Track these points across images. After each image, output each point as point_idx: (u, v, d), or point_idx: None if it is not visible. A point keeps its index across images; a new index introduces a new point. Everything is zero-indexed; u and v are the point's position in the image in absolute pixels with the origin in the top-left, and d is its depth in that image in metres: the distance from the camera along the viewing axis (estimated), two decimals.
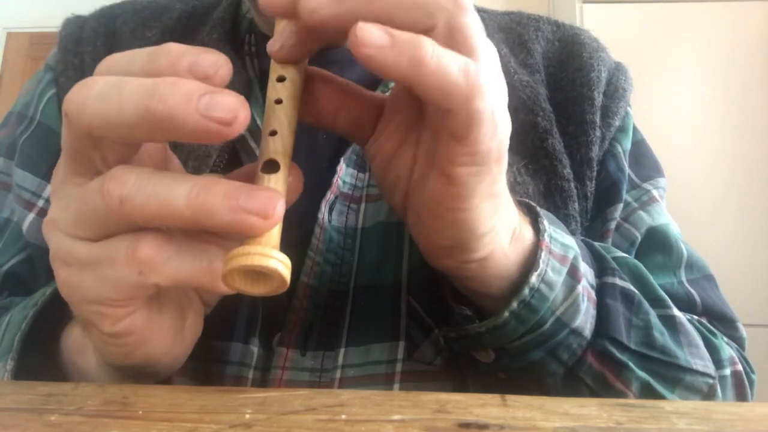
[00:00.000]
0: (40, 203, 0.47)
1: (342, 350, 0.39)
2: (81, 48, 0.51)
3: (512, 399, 0.24)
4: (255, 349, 0.39)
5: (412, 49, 0.23)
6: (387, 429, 0.21)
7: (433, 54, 0.23)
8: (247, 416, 0.23)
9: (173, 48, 0.24)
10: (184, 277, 0.25)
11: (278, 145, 0.26)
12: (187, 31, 0.51)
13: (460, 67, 0.24)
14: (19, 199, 0.47)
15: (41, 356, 0.33)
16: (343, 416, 0.23)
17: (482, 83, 0.24)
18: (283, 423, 0.22)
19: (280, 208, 0.23)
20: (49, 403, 0.24)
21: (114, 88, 0.23)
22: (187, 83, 0.22)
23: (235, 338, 0.39)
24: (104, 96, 0.23)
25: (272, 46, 0.28)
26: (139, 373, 0.30)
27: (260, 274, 0.24)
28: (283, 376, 0.38)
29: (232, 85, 0.47)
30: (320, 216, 0.40)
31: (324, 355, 0.39)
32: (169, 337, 0.29)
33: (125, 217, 0.24)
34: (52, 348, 0.34)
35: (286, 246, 0.25)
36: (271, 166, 0.25)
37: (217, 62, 0.23)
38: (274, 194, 0.23)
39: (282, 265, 0.24)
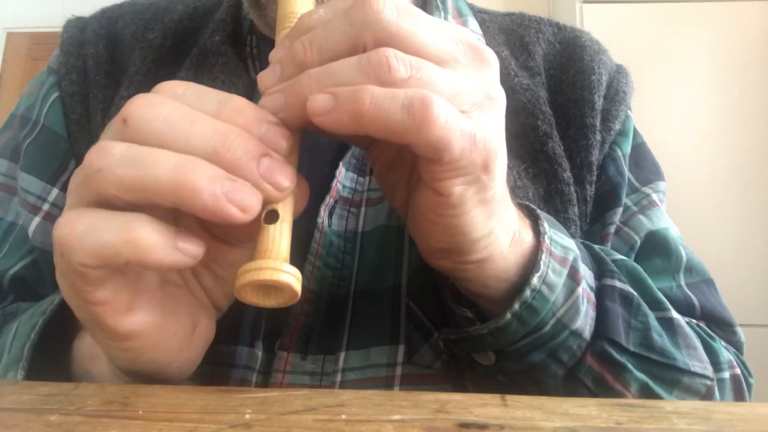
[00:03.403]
0: (46, 207, 0.47)
1: (342, 354, 0.39)
2: (83, 51, 0.51)
3: (512, 399, 0.24)
4: (259, 352, 0.39)
5: (350, 105, 0.23)
6: (387, 429, 0.21)
7: (371, 102, 0.23)
8: (247, 416, 0.23)
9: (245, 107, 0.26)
10: (103, 252, 0.23)
11: (284, 157, 0.26)
12: (188, 33, 0.51)
13: (403, 104, 0.23)
14: (24, 203, 0.47)
15: (52, 364, 0.33)
16: (343, 416, 0.23)
17: (431, 112, 0.23)
18: (283, 423, 0.22)
19: (257, 204, 0.24)
20: (49, 403, 0.24)
21: (185, 120, 0.24)
22: (254, 142, 0.25)
23: (241, 342, 0.39)
24: (175, 123, 0.24)
25: (266, 81, 0.28)
26: (150, 379, 0.29)
27: (272, 287, 0.25)
28: (283, 380, 0.38)
29: (234, 88, 0.47)
30: (319, 220, 0.41)
31: (324, 358, 0.39)
32: (177, 342, 0.29)
33: (100, 188, 0.24)
34: (62, 356, 0.34)
35: None
36: None
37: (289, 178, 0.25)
38: (255, 192, 0.24)
39: (293, 278, 0.24)
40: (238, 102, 0.26)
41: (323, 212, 0.41)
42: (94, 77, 0.49)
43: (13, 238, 0.47)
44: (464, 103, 0.25)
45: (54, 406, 0.24)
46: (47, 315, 0.34)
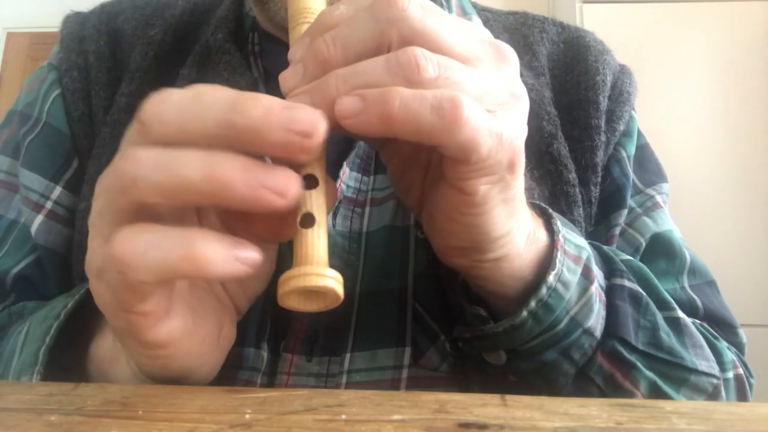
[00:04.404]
0: (49, 205, 0.46)
1: (348, 355, 0.38)
2: (84, 47, 0.51)
3: (512, 399, 0.24)
4: (265, 354, 0.38)
5: (379, 107, 0.23)
6: (387, 429, 0.21)
7: (401, 104, 0.23)
8: (247, 416, 0.23)
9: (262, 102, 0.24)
10: (164, 269, 0.23)
11: (314, 160, 0.26)
12: (189, 30, 0.51)
13: (433, 106, 0.23)
14: (27, 200, 0.47)
15: (66, 369, 0.33)
16: (343, 416, 0.22)
17: (462, 114, 0.23)
18: (283, 423, 0.22)
19: (297, 186, 0.23)
20: (49, 403, 0.24)
21: (194, 100, 0.23)
22: (267, 97, 0.23)
23: (247, 344, 0.39)
24: (184, 107, 0.23)
25: (289, 81, 0.27)
26: (178, 384, 0.29)
27: (315, 292, 0.25)
28: (288, 382, 0.38)
29: (237, 86, 0.47)
30: None
31: (330, 360, 0.39)
32: (206, 347, 0.29)
33: (139, 198, 0.23)
34: (77, 359, 0.33)
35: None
36: (310, 182, 0.25)
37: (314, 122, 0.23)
38: (292, 174, 0.23)
39: (336, 282, 0.24)
40: (253, 93, 0.25)
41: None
42: (96, 74, 0.49)
43: (15, 237, 0.47)
44: (491, 102, 0.25)
45: (54, 406, 0.24)
46: (62, 319, 0.34)
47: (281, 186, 0.23)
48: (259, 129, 0.22)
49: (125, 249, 0.23)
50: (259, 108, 0.22)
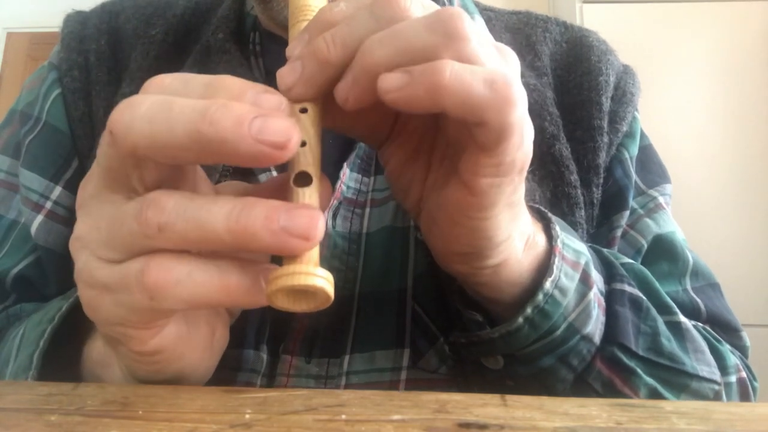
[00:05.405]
0: (48, 205, 0.46)
1: (347, 357, 0.38)
2: (85, 46, 0.50)
3: (512, 399, 0.24)
4: (264, 356, 0.38)
5: (428, 77, 0.22)
6: (387, 429, 0.21)
7: (451, 74, 0.22)
8: (247, 416, 0.23)
9: (230, 83, 0.24)
10: (196, 298, 0.23)
11: (308, 157, 0.25)
12: (190, 29, 0.51)
13: (485, 79, 0.23)
14: (27, 200, 0.47)
15: (60, 371, 0.33)
16: (343, 416, 0.23)
17: (514, 92, 0.23)
18: (283, 423, 0.22)
19: (321, 227, 0.23)
20: (49, 403, 0.24)
21: (163, 109, 0.23)
22: (239, 106, 0.22)
23: (246, 345, 0.39)
24: (153, 116, 0.22)
25: (287, 79, 0.26)
26: None
27: (304, 292, 0.24)
28: (287, 384, 0.38)
29: None
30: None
31: (329, 362, 0.39)
32: (200, 352, 0.29)
33: (164, 244, 0.23)
34: (71, 362, 0.33)
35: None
36: (304, 179, 0.25)
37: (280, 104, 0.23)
38: (315, 213, 0.23)
39: (326, 282, 0.24)
40: (224, 80, 0.24)
41: (327, 213, 0.40)
42: (96, 74, 0.49)
43: (15, 237, 0.47)
44: None
45: (54, 406, 0.24)
46: (56, 322, 0.34)
47: (304, 230, 0.22)
48: (229, 140, 0.22)
49: (161, 278, 0.23)
50: (229, 118, 0.22)
